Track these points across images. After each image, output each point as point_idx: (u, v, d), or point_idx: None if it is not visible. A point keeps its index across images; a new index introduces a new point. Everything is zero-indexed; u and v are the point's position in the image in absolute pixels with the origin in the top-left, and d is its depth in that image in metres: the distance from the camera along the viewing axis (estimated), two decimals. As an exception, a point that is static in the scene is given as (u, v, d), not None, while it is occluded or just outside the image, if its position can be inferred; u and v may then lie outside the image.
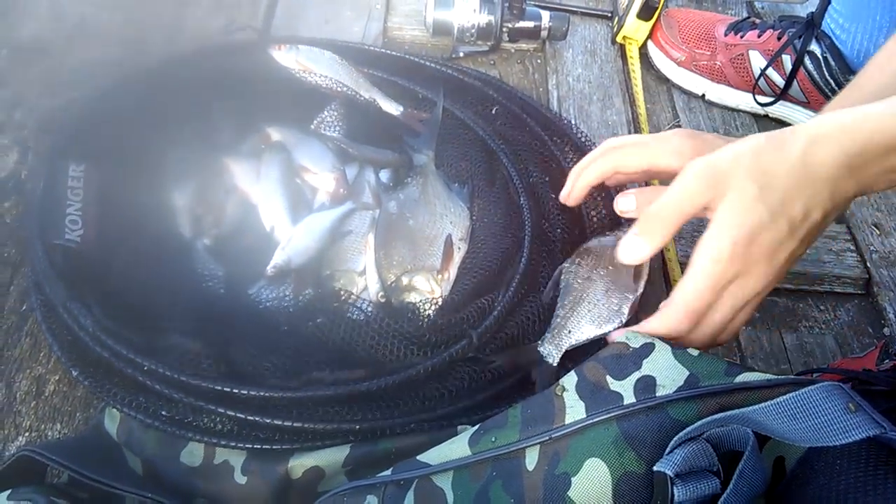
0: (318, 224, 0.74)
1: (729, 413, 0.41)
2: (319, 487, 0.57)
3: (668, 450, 0.41)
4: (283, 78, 0.87)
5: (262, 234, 0.74)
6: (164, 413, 0.56)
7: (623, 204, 0.62)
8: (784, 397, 0.39)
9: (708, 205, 0.50)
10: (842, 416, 0.37)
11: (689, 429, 0.41)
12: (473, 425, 0.56)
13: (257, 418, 0.56)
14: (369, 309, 0.67)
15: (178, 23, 1.04)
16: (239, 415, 0.56)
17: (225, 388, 0.56)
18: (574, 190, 0.67)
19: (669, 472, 0.39)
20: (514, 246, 0.73)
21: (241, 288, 0.67)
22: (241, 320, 0.64)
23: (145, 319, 0.61)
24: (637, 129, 0.98)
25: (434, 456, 0.51)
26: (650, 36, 1.08)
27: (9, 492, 0.51)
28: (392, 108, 0.87)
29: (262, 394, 0.56)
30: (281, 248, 0.71)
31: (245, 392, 0.56)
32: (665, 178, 0.59)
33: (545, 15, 1.01)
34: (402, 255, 0.71)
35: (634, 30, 1.06)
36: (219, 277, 0.68)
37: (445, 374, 0.61)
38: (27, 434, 0.63)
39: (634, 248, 0.54)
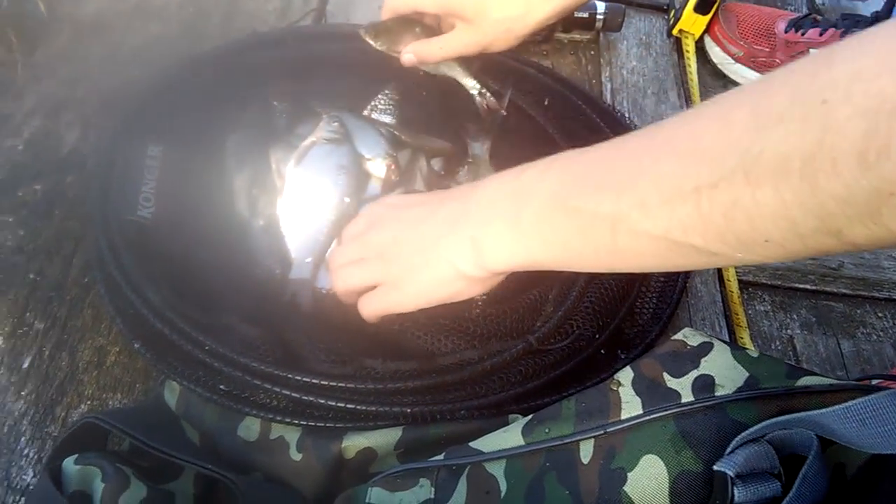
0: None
1: (794, 415, 0.41)
2: (371, 468, 0.58)
3: (729, 449, 0.41)
4: (338, 64, 0.88)
5: (315, 218, 0.75)
6: (222, 388, 0.58)
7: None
8: (853, 402, 0.39)
9: None
10: (912, 424, 0.37)
11: (751, 430, 0.41)
12: (524, 414, 0.57)
13: (311, 398, 0.57)
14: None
15: (235, 4, 1.05)
16: (294, 394, 0.57)
17: (280, 373, 0.57)
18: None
19: (730, 472, 0.39)
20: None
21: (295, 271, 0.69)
22: (297, 302, 0.65)
23: (207, 299, 0.62)
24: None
25: (487, 443, 0.52)
26: (707, 30, 1.06)
27: (76, 456, 0.53)
28: (471, 85, 0.86)
29: (315, 381, 0.57)
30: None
31: (299, 378, 0.57)
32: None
33: (600, 5, 1.00)
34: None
35: (691, 23, 1.04)
36: (276, 260, 0.69)
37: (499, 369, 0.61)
38: (89, 402, 0.65)
39: None
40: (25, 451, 0.63)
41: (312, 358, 0.59)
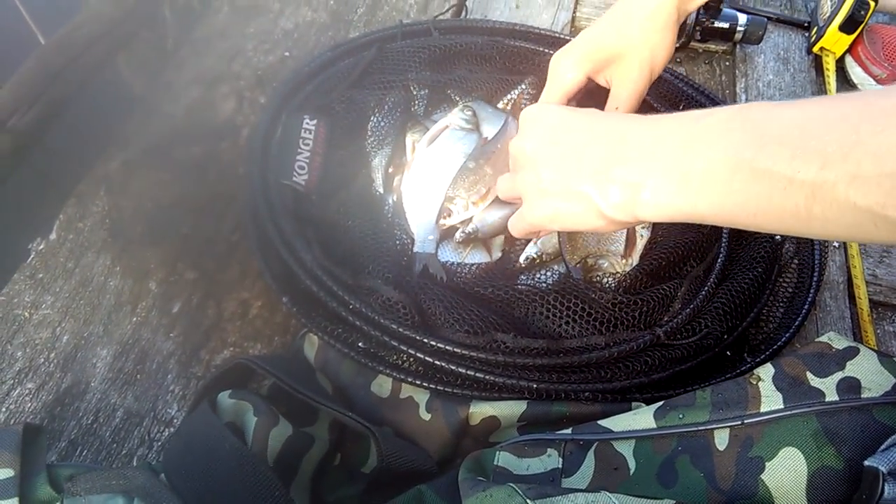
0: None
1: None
2: (492, 438, 0.60)
3: (883, 447, 0.41)
4: (477, 56, 0.91)
5: (436, 199, 0.77)
6: (360, 345, 0.62)
7: None
8: None
9: None
10: None
11: (911, 429, 0.41)
12: (647, 403, 0.58)
13: (443, 364, 0.60)
14: (552, 283, 0.70)
15: (380, -2, 1.10)
16: (427, 358, 0.60)
17: (416, 336, 0.61)
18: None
19: (883, 469, 0.39)
20: (697, 240, 0.73)
21: (424, 245, 0.72)
22: (427, 273, 0.68)
23: (353, 263, 0.66)
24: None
25: (615, 423, 0.53)
26: (849, 50, 1.03)
27: (229, 391, 0.58)
28: None
29: (448, 348, 0.60)
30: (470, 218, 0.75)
31: (433, 343, 0.61)
32: None
33: (742, 17, 0.99)
34: (586, 238, 0.73)
35: (833, 42, 1.02)
36: (405, 234, 0.73)
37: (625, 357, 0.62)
38: (231, 349, 0.71)
39: None
40: (171, 388, 0.68)
41: (447, 326, 0.62)
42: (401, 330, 0.60)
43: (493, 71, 0.92)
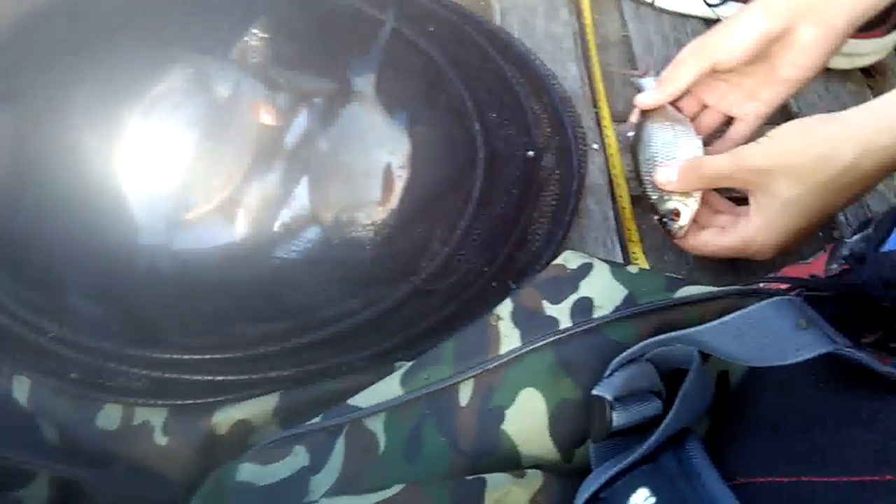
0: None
1: (673, 334, 0.38)
2: (250, 440, 0.53)
3: (607, 372, 0.38)
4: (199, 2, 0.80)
5: (162, 178, 0.68)
6: (73, 375, 0.52)
7: (663, 175, 0.64)
8: (731, 316, 0.36)
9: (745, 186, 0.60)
10: (791, 333, 0.34)
11: (630, 350, 0.38)
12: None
13: (173, 376, 0.52)
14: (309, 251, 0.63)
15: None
16: (153, 374, 0.52)
17: (134, 352, 0.52)
18: (663, 94, 0.67)
19: (608, 396, 0.36)
20: (458, 173, 0.68)
21: (155, 234, 0.62)
22: (154, 270, 0.59)
23: (50, 279, 0.56)
24: (584, 41, 0.93)
25: (365, 398, 0.47)
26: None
27: None
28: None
29: (175, 357, 0.52)
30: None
31: (156, 356, 0.52)
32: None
33: None
34: (338, 192, 0.67)
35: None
36: (127, 227, 0.63)
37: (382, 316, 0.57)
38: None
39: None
40: None
41: (172, 330, 0.54)
42: (115, 349, 0.51)
43: (220, 17, 0.80)
